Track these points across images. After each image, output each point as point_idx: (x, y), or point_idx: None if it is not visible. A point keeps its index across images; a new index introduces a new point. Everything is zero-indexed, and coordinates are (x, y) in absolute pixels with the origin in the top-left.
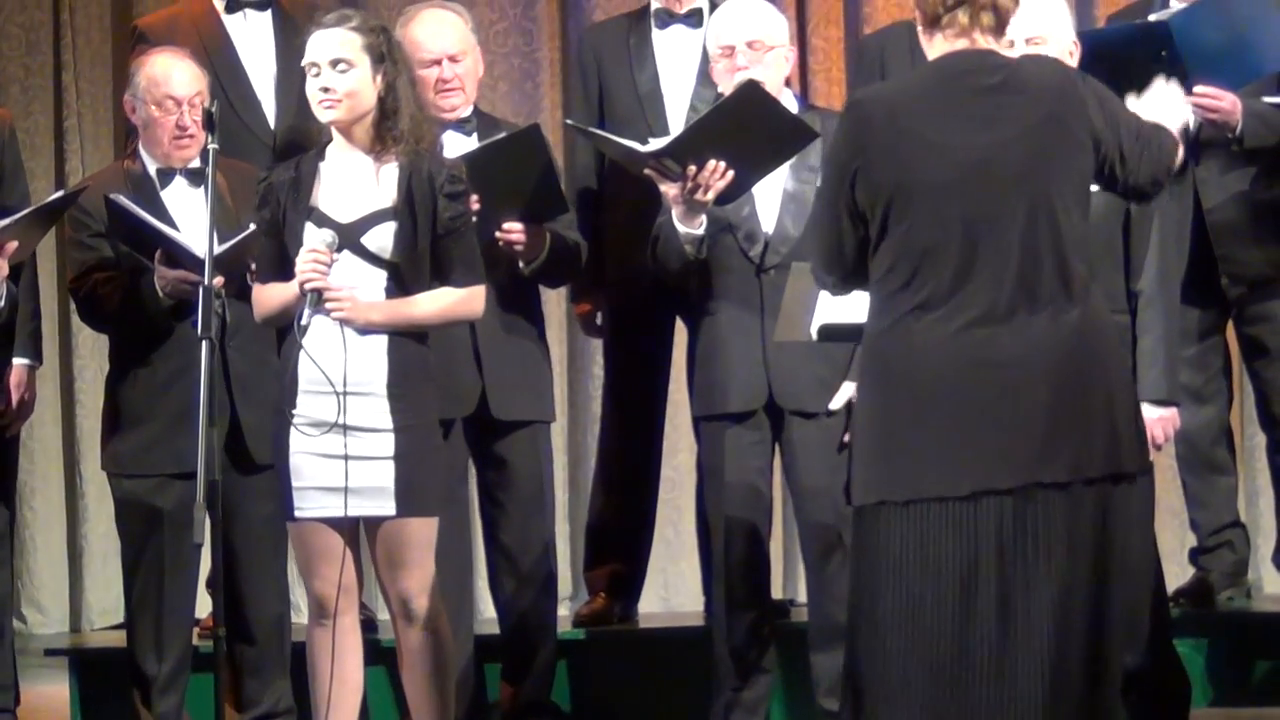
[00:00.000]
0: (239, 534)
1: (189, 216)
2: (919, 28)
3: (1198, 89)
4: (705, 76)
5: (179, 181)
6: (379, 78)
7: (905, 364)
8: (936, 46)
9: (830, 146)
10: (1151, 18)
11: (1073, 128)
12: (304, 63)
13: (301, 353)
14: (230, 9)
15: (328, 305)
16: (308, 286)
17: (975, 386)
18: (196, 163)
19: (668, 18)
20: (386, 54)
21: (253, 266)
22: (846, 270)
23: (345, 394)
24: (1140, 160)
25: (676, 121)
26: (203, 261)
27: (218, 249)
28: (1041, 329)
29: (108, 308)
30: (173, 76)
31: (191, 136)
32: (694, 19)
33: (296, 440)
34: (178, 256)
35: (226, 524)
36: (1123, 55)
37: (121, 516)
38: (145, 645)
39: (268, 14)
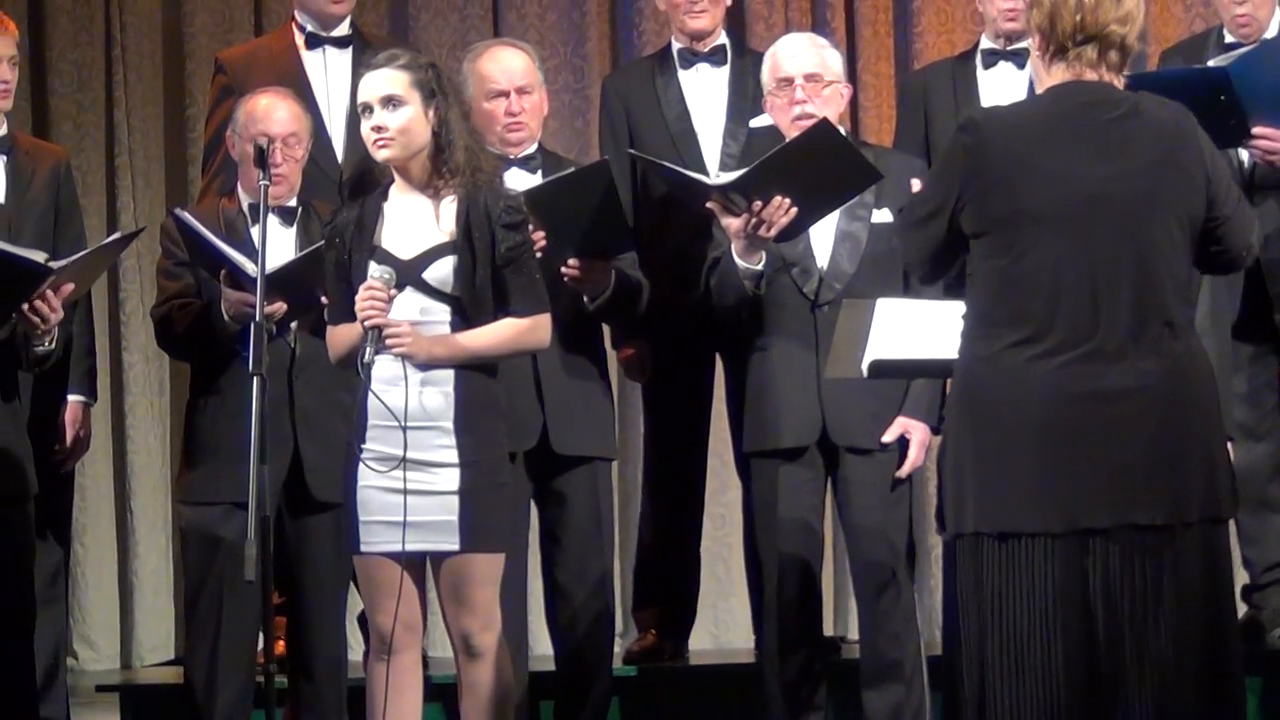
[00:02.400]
0: (301, 571)
1: (279, 254)
2: (1036, 53)
3: (1257, 130)
4: (735, 113)
5: (271, 219)
6: (431, 113)
7: (1005, 395)
8: (1056, 75)
9: (943, 158)
10: (1210, 63)
11: (1188, 168)
12: (358, 105)
13: (368, 388)
14: (310, 45)
15: (388, 341)
16: (368, 324)
17: (1076, 423)
18: (291, 201)
19: (691, 57)
20: (437, 89)
21: (325, 301)
22: (940, 270)
23: (408, 428)
24: (1234, 219)
25: (711, 160)
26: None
27: (268, 270)
28: (1146, 369)
29: (177, 330)
30: (271, 115)
31: (282, 174)
32: (718, 57)
33: (364, 475)
34: (239, 278)
35: (291, 560)
36: (1182, 97)
37: (186, 546)
38: (201, 679)
39: (348, 52)
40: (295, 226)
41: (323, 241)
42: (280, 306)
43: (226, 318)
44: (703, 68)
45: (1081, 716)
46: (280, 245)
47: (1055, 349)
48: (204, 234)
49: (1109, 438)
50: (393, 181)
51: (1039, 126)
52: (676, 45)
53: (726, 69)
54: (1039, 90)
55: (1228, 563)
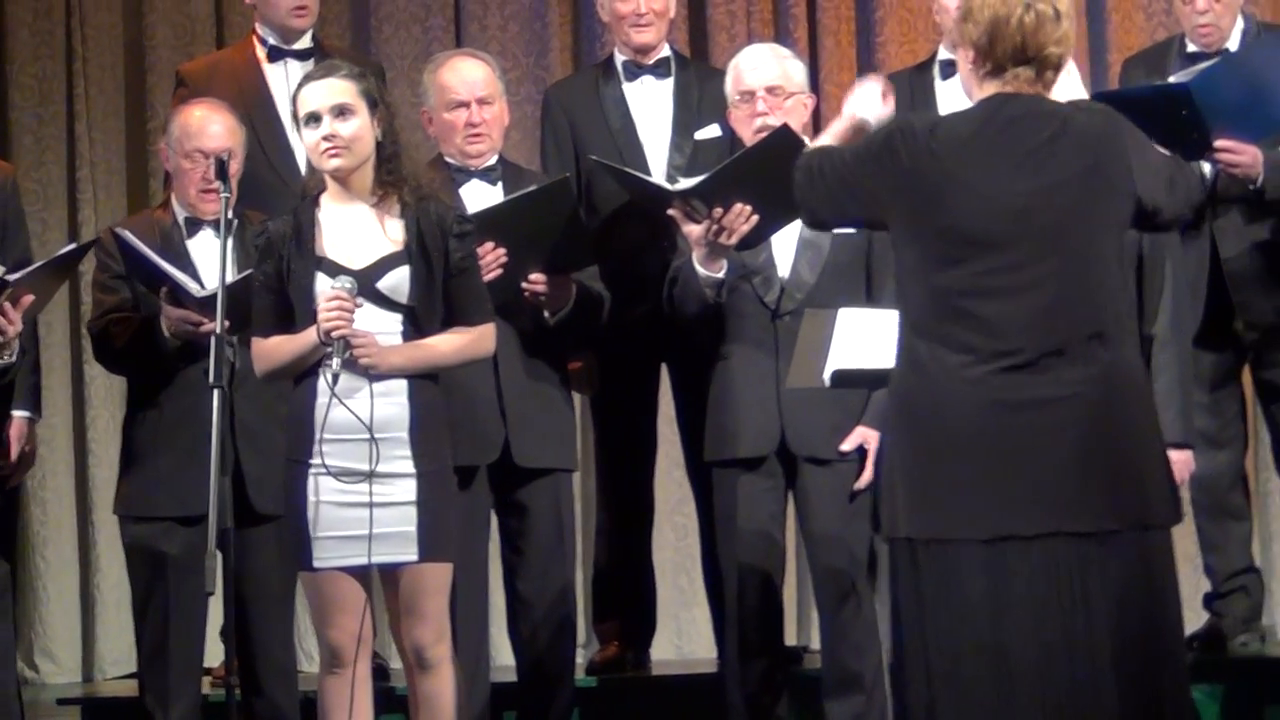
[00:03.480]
0: (245, 584)
1: (213, 266)
2: (969, 67)
3: (1219, 143)
4: (680, 125)
5: (205, 232)
6: (375, 122)
7: (935, 404)
8: (988, 89)
9: (878, 149)
10: (1171, 79)
11: (1114, 177)
12: (302, 115)
13: (332, 400)
14: (273, 58)
15: (355, 352)
16: (335, 334)
17: (1002, 431)
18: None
19: (636, 69)
20: (379, 98)
21: None
22: (827, 225)
23: (367, 439)
24: (1171, 204)
25: (657, 171)
26: (201, 301)
27: (209, 290)
28: (1074, 379)
29: (116, 345)
30: (205, 130)
31: (215, 190)
32: (662, 69)
33: (316, 489)
34: (180, 296)
35: (236, 574)
36: (1144, 113)
37: (130, 562)
38: (154, 693)
39: (310, 64)
40: (232, 238)
41: (261, 270)
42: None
43: (167, 334)
44: (647, 80)
45: None
46: (216, 257)
47: (984, 359)
48: (148, 255)
49: (1036, 446)
50: (323, 190)
51: (969, 142)
52: (620, 57)
53: (671, 81)
54: (970, 100)
55: (1163, 569)
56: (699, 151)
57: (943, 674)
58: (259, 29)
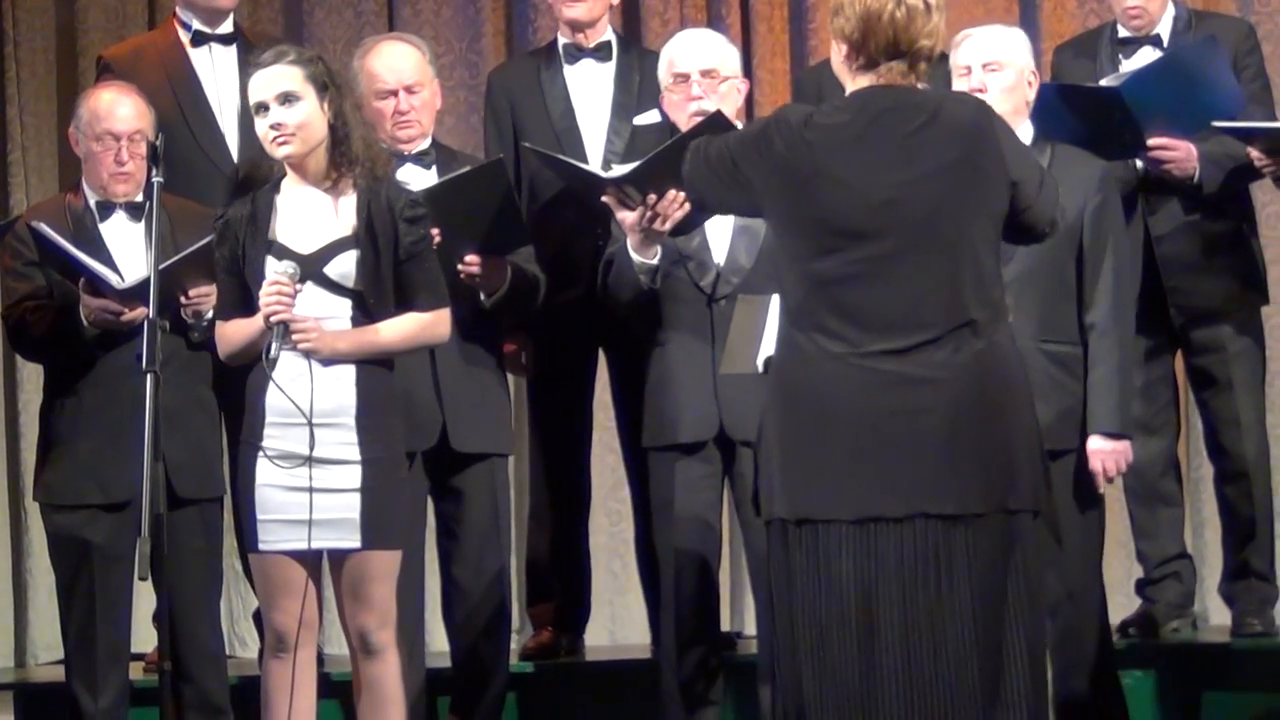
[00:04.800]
0: (169, 569)
1: (127, 250)
2: (842, 60)
3: (1153, 141)
4: (619, 109)
5: (119, 215)
6: (326, 105)
7: (808, 388)
8: (862, 81)
9: (757, 137)
10: (1102, 82)
11: (986, 168)
12: (251, 105)
13: (270, 385)
14: (196, 43)
15: (294, 337)
16: (273, 319)
17: (873, 415)
18: (138, 197)
19: (576, 52)
20: (329, 81)
21: (183, 300)
22: (711, 209)
23: (314, 425)
24: (1040, 202)
25: (595, 156)
26: (119, 291)
27: (135, 279)
28: (939, 363)
29: (34, 335)
30: (114, 112)
31: (128, 173)
32: (603, 52)
33: (262, 473)
34: (99, 287)
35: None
36: (1077, 110)
37: (53, 550)
38: (82, 681)
39: (233, 48)
40: (143, 222)
41: (208, 239)
42: (142, 311)
43: (86, 323)
44: (588, 63)
45: (877, 705)
46: (130, 240)
47: (856, 346)
48: (67, 249)
49: (905, 430)
50: (283, 176)
51: (841, 135)
52: (562, 40)
53: (612, 65)
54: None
55: (1029, 553)
56: (637, 136)
57: (808, 649)
58: (180, 13)
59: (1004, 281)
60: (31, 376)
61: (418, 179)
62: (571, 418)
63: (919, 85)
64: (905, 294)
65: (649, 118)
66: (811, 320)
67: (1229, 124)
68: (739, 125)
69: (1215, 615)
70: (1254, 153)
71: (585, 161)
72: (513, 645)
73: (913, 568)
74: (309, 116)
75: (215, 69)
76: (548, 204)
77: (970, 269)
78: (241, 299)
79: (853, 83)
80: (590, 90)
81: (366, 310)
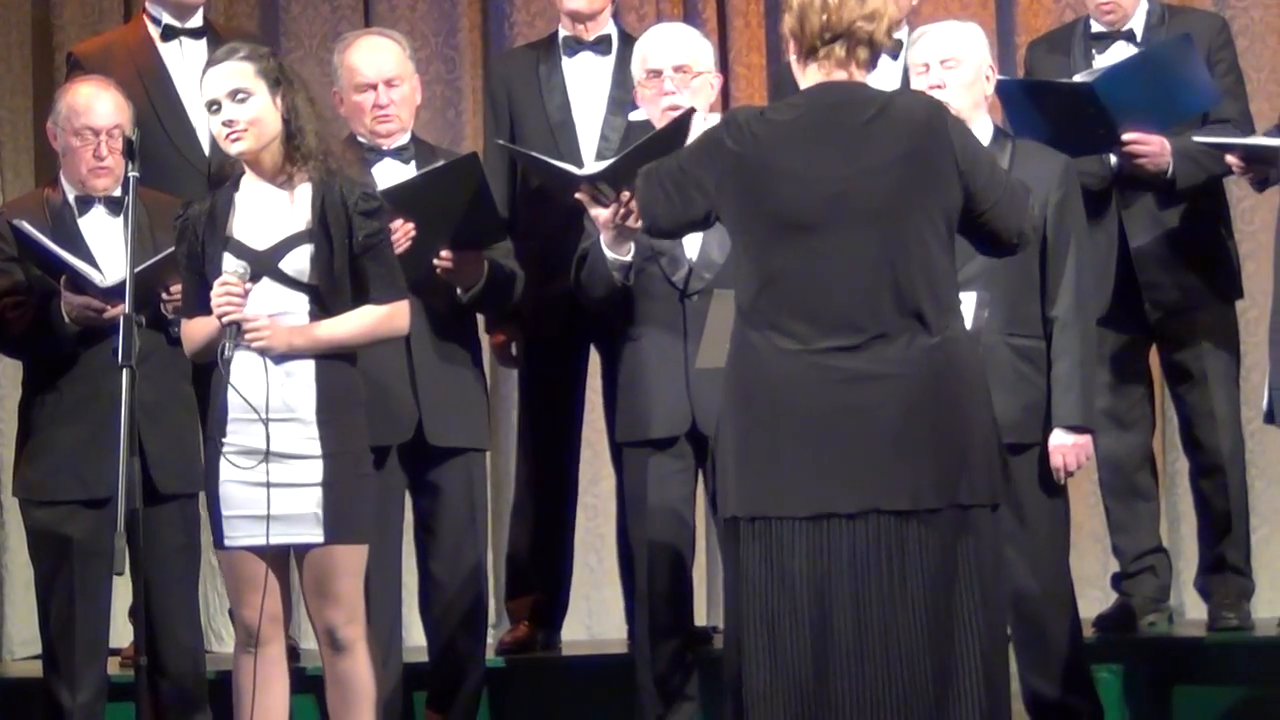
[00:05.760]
0: (148, 564)
1: (106, 244)
2: (792, 57)
3: (1127, 136)
4: (616, 104)
5: (97, 210)
6: (279, 100)
7: (762, 384)
8: (810, 77)
9: (706, 145)
10: (1076, 78)
11: (937, 163)
12: (205, 102)
13: (228, 383)
14: (166, 37)
15: (247, 336)
16: (225, 319)
17: (823, 411)
18: (116, 191)
19: (576, 45)
20: (280, 76)
21: (164, 296)
22: (676, 235)
23: (269, 421)
24: (1000, 206)
25: (588, 149)
26: (102, 290)
27: (117, 277)
28: (891, 358)
29: (14, 331)
30: (93, 107)
31: (107, 168)
32: (602, 46)
33: (226, 469)
34: (81, 284)
35: (140, 555)
36: (1052, 106)
37: (33, 545)
38: (60, 676)
39: (203, 42)
40: (121, 216)
41: (179, 252)
42: (121, 309)
43: (67, 320)
44: (586, 56)
45: (830, 700)
46: (108, 235)
47: (808, 342)
48: (47, 245)
49: (857, 426)
50: (244, 173)
51: (790, 131)
52: (563, 32)
53: (611, 58)
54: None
55: (986, 547)
56: (631, 131)
57: (760, 646)
58: (149, 8)
59: (970, 275)
60: (9, 371)
61: (397, 174)
62: (559, 413)
63: (861, 74)
64: (855, 288)
65: (644, 114)
66: (765, 317)
67: (1208, 139)
68: (707, 122)
69: (1191, 609)
70: (1232, 160)
71: (579, 155)
72: (490, 640)
73: (866, 563)
74: (260, 112)
75: (185, 63)
76: (539, 196)
77: (920, 262)
78: (203, 297)
79: (803, 79)
80: (588, 84)
81: (323, 304)
